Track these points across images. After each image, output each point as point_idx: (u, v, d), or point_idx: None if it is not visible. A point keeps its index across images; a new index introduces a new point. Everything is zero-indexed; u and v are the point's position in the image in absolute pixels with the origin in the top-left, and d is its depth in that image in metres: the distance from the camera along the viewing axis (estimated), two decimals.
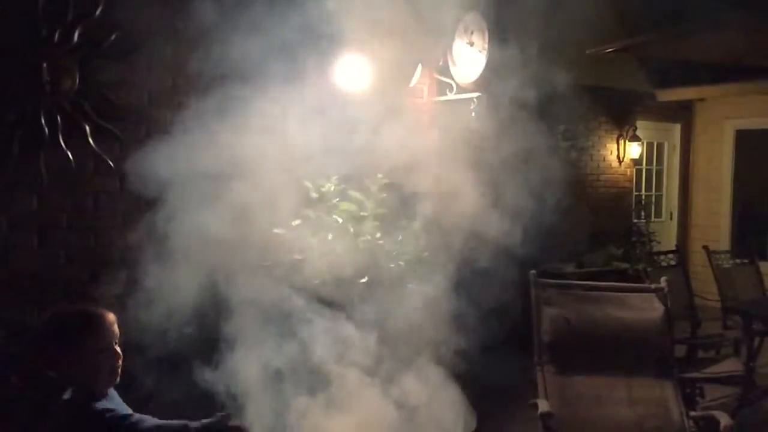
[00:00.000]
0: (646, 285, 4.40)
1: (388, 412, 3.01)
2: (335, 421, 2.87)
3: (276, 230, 3.31)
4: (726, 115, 9.06)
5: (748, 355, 5.02)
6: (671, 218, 9.43)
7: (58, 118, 3.46)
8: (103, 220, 3.62)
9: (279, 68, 3.18)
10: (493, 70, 3.98)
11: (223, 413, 2.21)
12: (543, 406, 3.38)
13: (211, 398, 2.86)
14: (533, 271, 3.93)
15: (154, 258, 3.13)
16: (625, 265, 7.34)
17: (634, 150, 8.42)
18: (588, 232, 7.59)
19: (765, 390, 4.89)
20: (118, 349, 2.19)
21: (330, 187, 3.52)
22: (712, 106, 9.16)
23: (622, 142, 8.38)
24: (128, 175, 3.38)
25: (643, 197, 9.02)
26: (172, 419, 2.19)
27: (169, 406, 2.48)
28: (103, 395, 2.18)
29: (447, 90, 4.45)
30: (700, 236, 8.99)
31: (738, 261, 6.47)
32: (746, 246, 7.19)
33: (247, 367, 2.99)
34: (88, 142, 3.54)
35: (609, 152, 8.33)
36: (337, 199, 3.56)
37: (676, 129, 9.42)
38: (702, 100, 9.13)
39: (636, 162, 8.61)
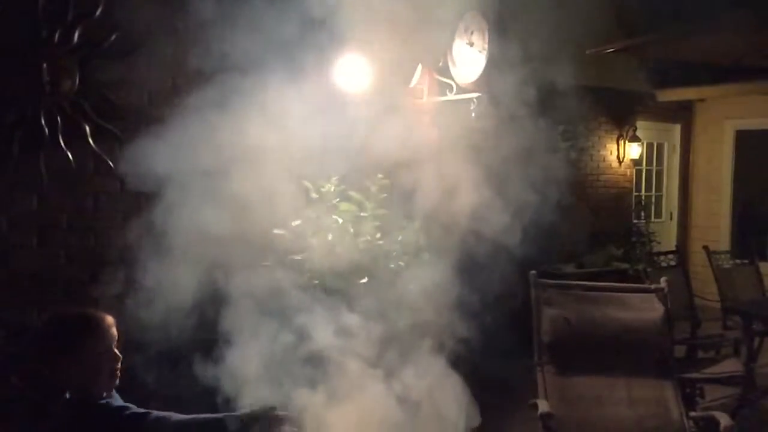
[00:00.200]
0: (646, 285, 4.40)
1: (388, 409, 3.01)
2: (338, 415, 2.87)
3: (276, 230, 3.31)
4: (726, 116, 9.06)
5: (748, 355, 5.02)
6: (671, 218, 9.43)
7: (58, 119, 3.46)
8: (103, 220, 3.62)
9: (279, 68, 3.17)
10: (493, 71, 3.98)
11: (268, 405, 2.26)
12: (543, 406, 3.39)
13: (213, 395, 2.86)
14: (533, 272, 3.93)
15: (154, 257, 3.13)
16: (625, 266, 7.34)
17: (634, 150, 8.41)
18: (588, 232, 7.59)
19: (765, 390, 4.89)
20: (117, 351, 2.19)
21: (330, 187, 3.52)
22: (712, 107, 9.16)
23: (622, 142, 8.38)
24: (128, 175, 3.38)
25: (643, 197, 9.02)
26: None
27: (171, 404, 2.48)
28: (109, 396, 2.19)
29: (447, 90, 4.45)
30: (700, 236, 8.99)
31: (738, 261, 6.47)
32: (746, 246, 7.19)
33: (247, 362, 2.98)
34: (88, 142, 3.54)
35: (609, 152, 8.33)
36: (337, 199, 3.56)
37: (676, 129, 9.42)
38: (702, 100, 9.14)
39: (636, 162, 8.60)
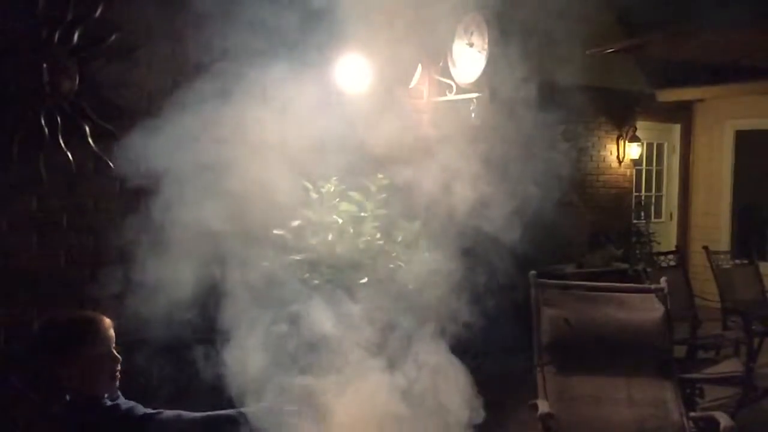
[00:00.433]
0: (646, 285, 4.40)
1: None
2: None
3: (276, 231, 3.31)
4: (726, 116, 9.06)
5: (748, 355, 5.02)
6: (671, 219, 9.43)
7: (58, 119, 3.46)
8: (103, 220, 3.62)
9: (279, 68, 3.17)
10: (492, 71, 3.98)
11: (278, 401, 2.31)
12: (543, 406, 3.39)
13: (218, 392, 2.86)
14: (533, 272, 3.93)
15: (154, 257, 3.13)
16: (625, 266, 7.34)
17: (633, 150, 8.41)
18: (588, 232, 7.59)
19: (765, 390, 4.89)
20: (116, 353, 2.19)
21: (330, 187, 3.52)
22: (712, 107, 9.16)
23: (621, 142, 8.38)
24: (128, 175, 3.38)
25: (643, 198, 9.02)
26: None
27: (175, 401, 2.49)
28: (113, 397, 2.19)
29: (447, 90, 4.45)
30: (700, 237, 8.99)
31: (738, 261, 6.48)
32: (746, 246, 7.19)
33: (250, 356, 2.98)
34: (88, 142, 3.54)
35: (609, 153, 8.33)
36: (337, 199, 3.56)
37: (676, 129, 9.42)
38: (702, 100, 9.13)
39: (636, 162, 8.60)
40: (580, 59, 6.20)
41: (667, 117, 9.14)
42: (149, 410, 2.22)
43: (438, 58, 4.37)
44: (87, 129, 3.53)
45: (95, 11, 3.48)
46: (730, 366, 4.83)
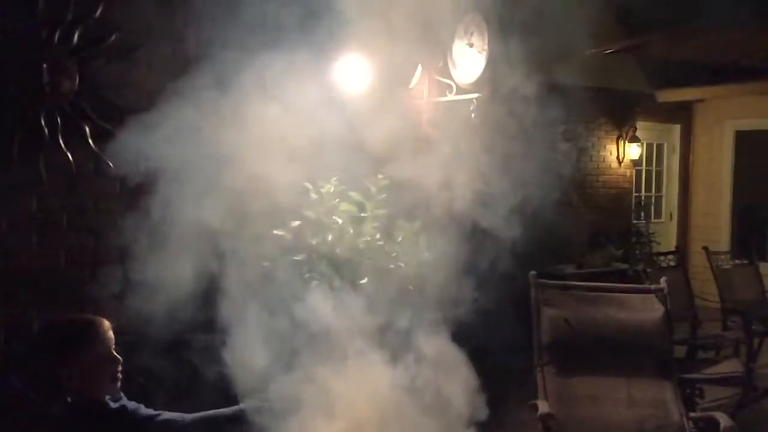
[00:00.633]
0: (645, 286, 4.40)
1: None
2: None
3: (276, 231, 3.31)
4: (726, 116, 9.06)
5: (748, 355, 5.02)
6: (671, 219, 9.43)
7: (58, 119, 3.46)
8: (103, 220, 3.62)
9: (279, 68, 3.17)
10: (492, 71, 3.98)
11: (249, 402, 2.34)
12: (543, 406, 3.39)
13: (222, 389, 2.87)
14: (533, 272, 3.93)
15: (154, 256, 3.13)
16: (625, 266, 7.34)
17: (633, 151, 8.42)
18: (588, 232, 7.59)
19: (765, 391, 4.89)
20: (116, 354, 2.19)
21: (329, 188, 3.52)
22: (712, 107, 9.16)
23: (621, 142, 8.38)
24: (128, 175, 3.38)
25: (643, 198, 9.02)
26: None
27: (177, 399, 2.50)
28: (116, 398, 2.19)
29: (447, 91, 4.46)
30: (700, 237, 8.99)
31: (738, 262, 6.48)
32: (746, 247, 7.19)
33: (247, 357, 2.98)
34: (88, 142, 3.54)
35: (609, 153, 8.33)
36: (337, 200, 3.56)
37: (676, 130, 9.42)
38: (701, 100, 9.14)
39: (636, 163, 8.60)
40: (580, 59, 6.20)
41: (667, 117, 9.14)
42: (151, 411, 2.23)
43: (438, 59, 4.37)
44: (87, 129, 3.53)
45: (95, 11, 3.48)
46: (730, 366, 4.83)
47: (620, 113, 8.33)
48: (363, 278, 3.35)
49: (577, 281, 4.67)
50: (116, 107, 3.57)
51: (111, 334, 2.19)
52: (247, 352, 2.92)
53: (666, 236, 8.96)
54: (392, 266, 3.52)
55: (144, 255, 3.20)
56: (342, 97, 3.65)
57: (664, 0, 6.53)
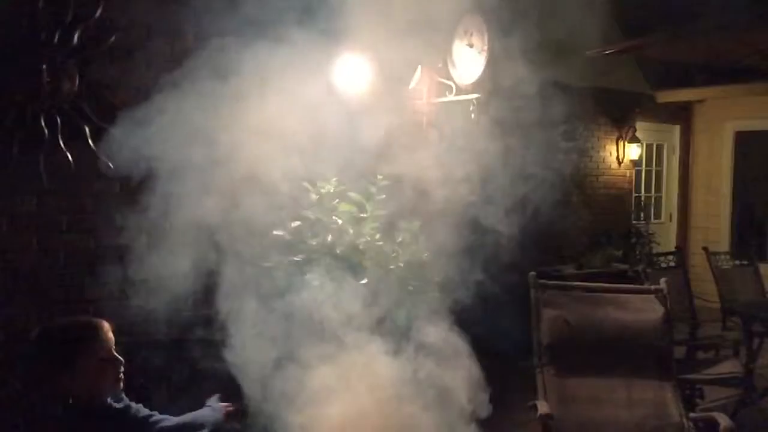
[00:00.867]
0: (645, 286, 4.39)
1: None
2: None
3: (276, 231, 3.31)
4: (725, 117, 9.06)
5: (748, 356, 5.02)
6: (671, 219, 9.43)
7: (58, 119, 3.46)
8: (103, 221, 3.62)
9: (279, 68, 3.18)
10: (492, 72, 3.98)
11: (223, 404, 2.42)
12: (543, 407, 3.38)
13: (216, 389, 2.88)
14: (533, 273, 3.92)
15: (153, 257, 3.13)
16: (625, 267, 7.33)
17: (633, 151, 8.42)
18: (587, 233, 7.59)
19: (765, 391, 4.89)
20: (117, 355, 2.18)
21: (329, 188, 3.52)
22: (712, 108, 9.16)
23: (621, 143, 8.38)
24: (128, 175, 3.38)
25: (643, 198, 9.02)
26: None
27: (173, 400, 2.50)
28: (117, 397, 2.20)
29: (447, 91, 4.46)
30: (699, 237, 8.99)
31: (738, 262, 6.47)
32: (746, 247, 7.19)
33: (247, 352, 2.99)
34: (88, 143, 3.54)
35: (608, 153, 8.33)
36: (337, 200, 3.56)
37: (676, 130, 9.43)
38: (701, 101, 9.14)
39: (635, 163, 8.61)
40: (580, 60, 6.21)
41: (667, 118, 9.14)
42: (147, 411, 2.23)
43: (438, 59, 4.37)
44: (87, 129, 3.53)
45: (95, 11, 3.49)
46: (730, 367, 4.83)
47: (620, 114, 8.33)
48: (363, 278, 3.35)
49: (576, 282, 4.66)
50: (116, 107, 3.57)
51: (111, 335, 2.19)
52: (247, 352, 2.92)
53: (666, 236, 8.96)
54: (392, 266, 3.52)
55: (143, 255, 3.20)
56: (342, 97, 3.65)
57: (664, 1, 6.54)
